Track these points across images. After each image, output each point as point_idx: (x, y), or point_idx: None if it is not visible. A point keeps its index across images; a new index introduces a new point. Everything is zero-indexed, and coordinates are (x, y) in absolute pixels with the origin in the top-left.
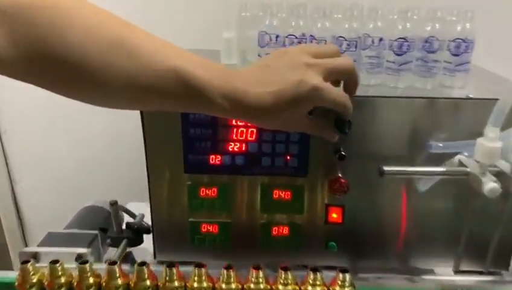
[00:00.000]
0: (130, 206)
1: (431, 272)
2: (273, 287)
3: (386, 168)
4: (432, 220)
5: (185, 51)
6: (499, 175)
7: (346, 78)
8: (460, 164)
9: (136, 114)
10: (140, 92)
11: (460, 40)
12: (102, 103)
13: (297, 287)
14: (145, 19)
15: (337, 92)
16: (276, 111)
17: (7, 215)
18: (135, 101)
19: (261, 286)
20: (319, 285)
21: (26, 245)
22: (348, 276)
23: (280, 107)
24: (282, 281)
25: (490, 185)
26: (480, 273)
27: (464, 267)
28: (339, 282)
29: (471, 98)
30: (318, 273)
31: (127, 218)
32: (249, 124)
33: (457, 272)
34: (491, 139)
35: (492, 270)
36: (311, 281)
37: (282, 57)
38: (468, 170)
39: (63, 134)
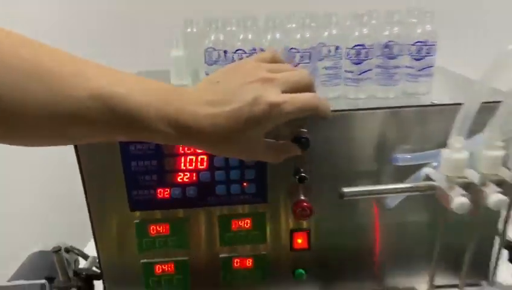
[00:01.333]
0: (91, 245)
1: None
2: None
3: (346, 189)
4: (406, 236)
5: (116, 71)
6: (469, 187)
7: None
8: (428, 177)
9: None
10: (63, 122)
11: (421, 43)
12: (22, 140)
13: None
14: (92, 46)
15: (304, 97)
16: (232, 135)
17: None
18: (60, 135)
19: None
20: None
21: None
22: None
23: (236, 129)
24: None
25: (458, 200)
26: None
27: (443, 281)
28: None
29: (436, 105)
30: None
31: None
32: (199, 151)
33: (435, 287)
34: (456, 150)
35: (472, 282)
36: None
37: (234, 72)
38: (435, 184)
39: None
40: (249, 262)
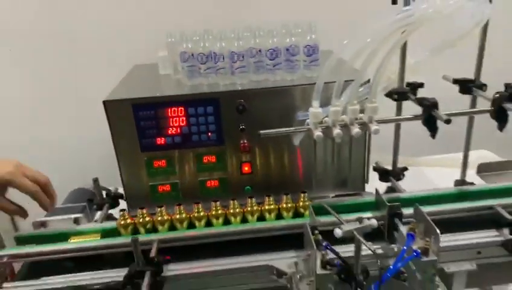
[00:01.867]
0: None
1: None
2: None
3: (262, 131)
4: (311, 162)
5: None
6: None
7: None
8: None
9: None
10: None
11: (309, 46)
12: None
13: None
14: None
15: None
16: None
17: None
18: None
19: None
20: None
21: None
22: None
23: None
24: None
25: (316, 133)
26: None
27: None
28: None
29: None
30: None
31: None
32: (182, 114)
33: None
34: (315, 108)
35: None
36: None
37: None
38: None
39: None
40: (216, 183)
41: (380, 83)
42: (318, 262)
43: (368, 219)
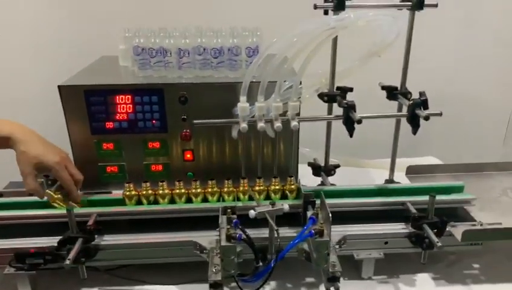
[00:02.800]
0: None
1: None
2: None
3: (195, 121)
4: (252, 153)
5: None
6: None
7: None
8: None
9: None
10: None
11: (250, 48)
12: None
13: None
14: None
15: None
16: None
17: None
18: None
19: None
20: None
21: None
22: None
23: None
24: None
25: (242, 125)
26: None
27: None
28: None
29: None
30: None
31: None
32: (129, 102)
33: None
34: (242, 102)
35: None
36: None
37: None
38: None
39: None
40: (160, 167)
41: (313, 85)
42: (223, 236)
43: (282, 204)
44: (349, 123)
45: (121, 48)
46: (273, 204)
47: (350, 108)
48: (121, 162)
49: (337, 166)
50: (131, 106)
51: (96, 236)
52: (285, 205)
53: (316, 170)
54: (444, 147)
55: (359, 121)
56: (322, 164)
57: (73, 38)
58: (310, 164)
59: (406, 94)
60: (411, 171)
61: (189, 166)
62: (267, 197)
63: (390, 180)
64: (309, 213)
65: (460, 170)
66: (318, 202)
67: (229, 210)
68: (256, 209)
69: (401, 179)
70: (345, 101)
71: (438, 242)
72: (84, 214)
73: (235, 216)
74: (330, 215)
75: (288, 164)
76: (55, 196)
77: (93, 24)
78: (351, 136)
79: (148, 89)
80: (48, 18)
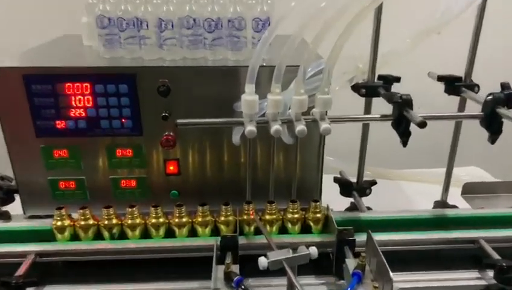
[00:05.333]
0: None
1: None
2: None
3: (179, 120)
4: (258, 167)
5: None
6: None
7: None
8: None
9: None
10: None
11: (259, 19)
12: None
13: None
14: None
15: None
16: None
17: None
18: None
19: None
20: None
21: None
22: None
23: None
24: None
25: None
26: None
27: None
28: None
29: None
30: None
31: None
32: (86, 92)
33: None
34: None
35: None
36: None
37: None
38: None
39: None
40: (133, 183)
41: (345, 74)
42: None
43: (308, 245)
44: (404, 126)
45: (84, 22)
46: (294, 248)
47: (405, 104)
48: (80, 175)
49: (374, 183)
50: (90, 98)
51: None
52: (312, 250)
53: (346, 188)
54: (487, 155)
55: (422, 124)
56: (352, 179)
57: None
58: (336, 180)
59: (473, 87)
60: (469, 189)
61: (173, 182)
62: (282, 230)
63: (442, 202)
64: (349, 263)
65: None
66: (358, 238)
67: (228, 262)
68: (269, 257)
69: (452, 199)
70: (399, 94)
71: None
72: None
73: (237, 271)
74: (390, 273)
75: (311, 183)
76: None
77: None
78: (404, 144)
79: (115, 74)
80: None
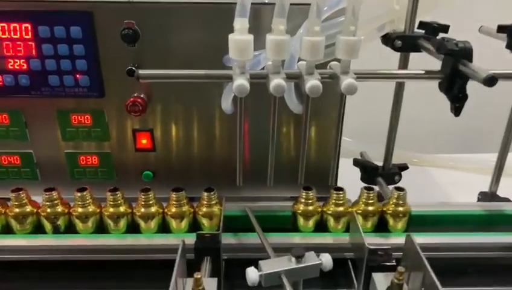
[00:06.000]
0: None
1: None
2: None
3: (141, 72)
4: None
5: None
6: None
7: None
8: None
9: None
10: None
11: None
12: None
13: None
14: None
15: None
16: None
17: None
18: None
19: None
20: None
21: None
22: None
23: None
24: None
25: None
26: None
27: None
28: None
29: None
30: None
31: None
32: (27, 36)
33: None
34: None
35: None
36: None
37: None
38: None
39: None
40: (94, 159)
41: (373, 20)
42: None
43: (318, 253)
44: (458, 85)
45: None
46: (299, 256)
47: (460, 56)
48: (25, 148)
49: (405, 167)
50: (32, 44)
51: None
52: (325, 258)
53: (370, 172)
54: None
55: (490, 80)
56: (378, 163)
57: None
58: (356, 162)
59: None
60: None
61: (146, 160)
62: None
63: (491, 194)
64: (377, 280)
65: None
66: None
67: (197, 277)
68: (261, 268)
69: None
70: (454, 41)
71: None
72: None
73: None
74: None
75: (325, 165)
76: None
77: None
78: (457, 113)
79: (64, 12)
80: None
